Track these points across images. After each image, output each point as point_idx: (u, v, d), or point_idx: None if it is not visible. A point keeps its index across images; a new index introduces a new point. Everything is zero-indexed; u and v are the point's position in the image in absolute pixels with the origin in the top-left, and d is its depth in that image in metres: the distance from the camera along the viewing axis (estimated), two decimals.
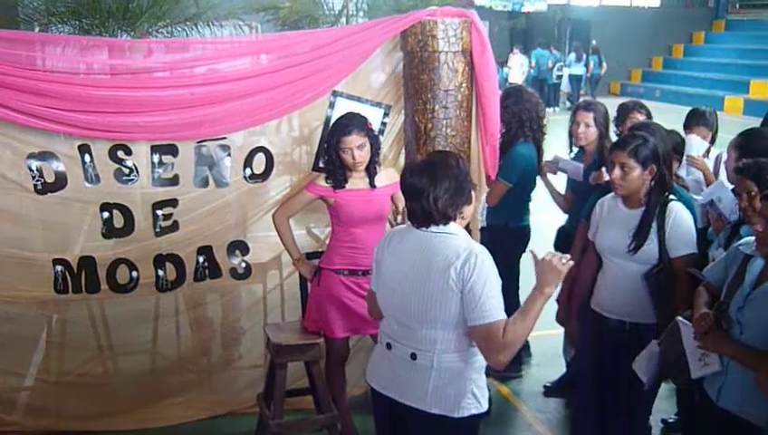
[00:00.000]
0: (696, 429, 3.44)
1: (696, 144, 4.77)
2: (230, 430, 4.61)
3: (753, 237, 3.00)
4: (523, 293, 5.24)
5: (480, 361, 2.87)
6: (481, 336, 2.74)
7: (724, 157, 4.27)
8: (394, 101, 4.47)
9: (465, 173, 2.89)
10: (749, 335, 2.91)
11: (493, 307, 2.71)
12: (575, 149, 5.02)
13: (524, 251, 5.15)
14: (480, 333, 2.73)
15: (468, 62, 4.23)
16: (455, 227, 2.87)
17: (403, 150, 4.51)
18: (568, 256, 2.76)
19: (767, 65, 22.61)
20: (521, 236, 5.04)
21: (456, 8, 4.27)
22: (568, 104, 22.04)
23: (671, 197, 3.65)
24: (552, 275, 2.73)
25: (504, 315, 2.73)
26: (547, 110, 20.23)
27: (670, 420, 4.66)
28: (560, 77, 22.60)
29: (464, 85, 4.22)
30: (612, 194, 3.76)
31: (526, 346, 5.36)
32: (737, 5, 28.21)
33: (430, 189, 2.80)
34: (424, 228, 2.88)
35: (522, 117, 4.86)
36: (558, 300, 4.27)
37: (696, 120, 5.05)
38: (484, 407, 2.93)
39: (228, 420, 4.68)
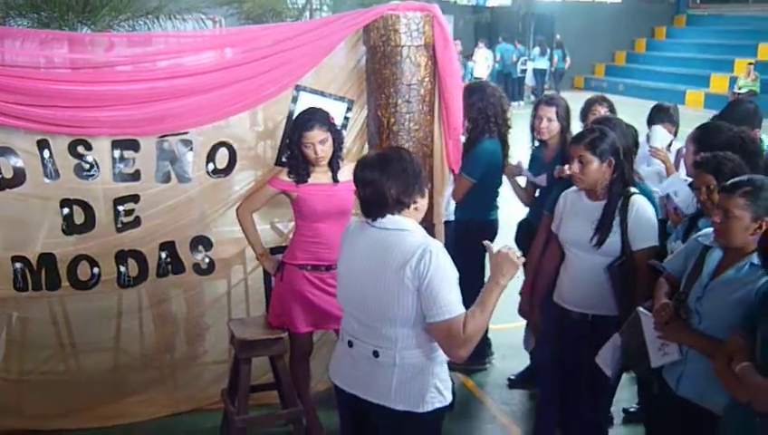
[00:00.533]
0: (655, 417, 3.49)
1: (659, 135, 4.83)
2: (195, 427, 4.58)
3: (711, 229, 3.05)
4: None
5: (442, 355, 2.87)
6: (441, 332, 2.74)
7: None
8: (357, 96, 4.47)
9: (417, 165, 2.88)
10: (708, 325, 2.97)
11: (451, 303, 2.71)
12: (536, 144, 5.06)
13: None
14: (440, 329, 2.73)
15: (431, 56, 4.24)
16: (409, 223, 2.85)
17: (366, 145, 4.51)
18: (519, 252, 2.80)
19: (727, 60, 22.96)
20: (487, 231, 5.07)
21: (418, 2, 4.27)
22: (532, 98, 22.17)
23: (633, 190, 3.70)
24: (507, 266, 2.75)
25: (462, 309, 2.73)
26: (512, 104, 20.37)
27: (631, 410, 4.73)
28: (524, 71, 22.77)
29: (426, 79, 4.24)
30: (575, 187, 3.79)
31: (487, 341, 5.39)
32: (698, 0, 28.58)
33: (383, 178, 2.81)
34: (379, 222, 2.86)
35: (488, 112, 4.89)
36: (521, 292, 4.31)
37: (659, 115, 5.10)
38: (448, 399, 2.94)
39: (193, 416, 4.65)
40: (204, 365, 4.82)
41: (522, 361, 5.23)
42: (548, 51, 22.85)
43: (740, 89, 20.40)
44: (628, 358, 3.38)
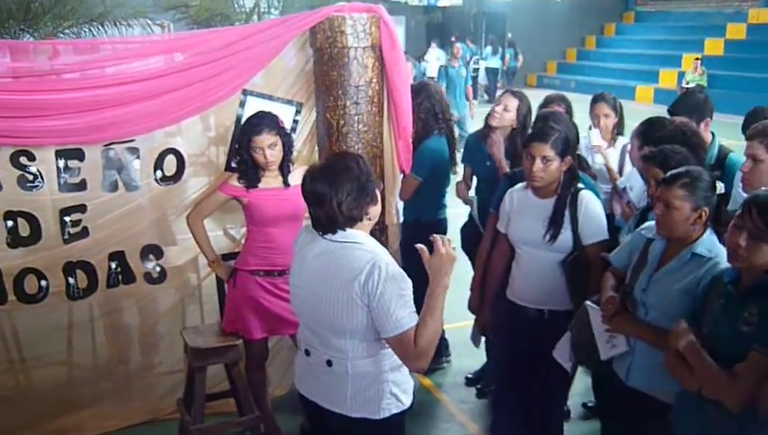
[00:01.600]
0: (608, 409, 3.53)
1: (595, 135, 4.96)
2: None
3: (653, 222, 3.09)
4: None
5: (394, 362, 2.84)
6: (395, 346, 2.72)
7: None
8: (305, 99, 4.45)
9: (366, 173, 2.81)
10: (654, 316, 3.01)
11: (403, 318, 2.66)
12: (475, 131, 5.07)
13: None
14: (395, 343, 2.71)
15: (378, 57, 4.24)
16: (360, 235, 2.81)
17: (316, 148, 4.49)
18: (448, 238, 2.77)
19: (675, 55, 23.39)
20: (436, 231, 5.05)
21: (364, 4, 4.26)
22: (486, 97, 22.34)
23: (580, 185, 3.73)
24: (445, 265, 2.71)
25: (413, 321, 2.68)
26: (465, 102, 20.41)
27: (590, 404, 4.77)
28: (476, 70, 22.88)
29: (374, 80, 4.23)
30: (521, 185, 3.81)
31: (444, 341, 5.40)
32: None
33: (332, 194, 2.73)
34: (329, 236, 2.82)
35: (435, 111, 4.91)
36: (471, 288, 4.32)
37: (596, 99, 5.28)
38: (407, 404, 2.93)
39: (149, 427, 4.58)
40: (159, 375, 4.75)
41: (478, 359, 5.25)
42: (500, 49, 23.06)
43: (688, 83, 20.80)
44: (577, 352, 3.41)
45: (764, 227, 2.47)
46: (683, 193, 2.90)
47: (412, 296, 2.72)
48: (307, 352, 2.97)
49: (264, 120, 3.96)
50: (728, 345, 2.52)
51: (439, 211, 5.15)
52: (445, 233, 5.05)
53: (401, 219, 5.13)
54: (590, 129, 5.20)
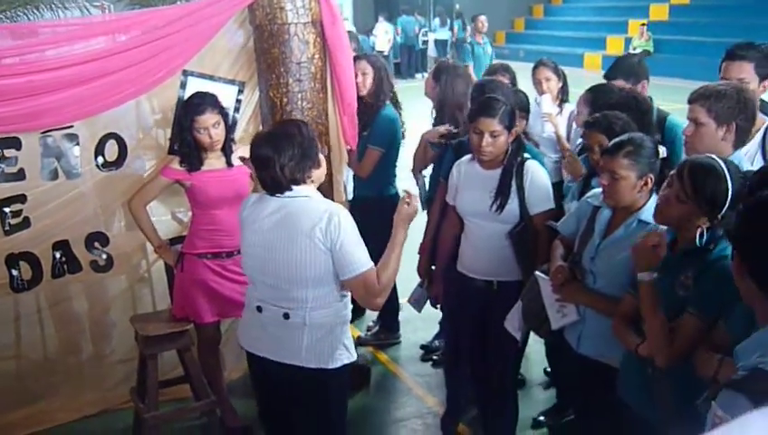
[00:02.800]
0: (561, 376, 3.56)
1: (546, 102, 4.96)
2: (105, 429, 4.45)
3: (599, 189, 3.10)
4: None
5: (347, 314, 3.08)
6: (358, 286, 2.93)
7: None
8: (248, 78, 4.38)
9: (309, 139, 2.98)
10: (602, 284, 3.03)
11: (363, 258, 2.90)
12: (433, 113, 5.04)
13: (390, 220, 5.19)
14: (357, 283, 2.91)
15: (319, 32, 4.18)
16: (308, 190, 2.99)
17: (261, 127, 4.42)
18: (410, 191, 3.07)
19: (621, 21, 23.55)
20: (387, 207, 5.03)
21: None
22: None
23: (526, 155, 3.73)
24: (404, 218, 3.02)
25: (371, 263, 2.92)
26: (415, 75, 20.26)
27: (549, 370, 4.82)
28: (425, 42, 22.83)
29: (316, 57, 4.17)
30: (468, 157, 3.80)
31: (396, 315, 5.41)
32: None
33: (275, 157, 2.90)
34: (278, 195, 2.98)
35: (383, 86, 4.89)
36: (419, 252, 4.33)
37: (537, 65, 5.36)
38: (354, 356, 3.11)
39: (103, 418, 4.52)
40: (111, 365, 4.68)
41: (433, 331, 5.27)
42: (448, 21, 22.97)
43: (635, 49, 21.01)
44: (529, 322, 3.43)
45: (692, 192, 2.49)
46: (628, 162, 2.91)
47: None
48: (259, 309, 3.07)
49: (205, 100, 3.90)
50: (666, 309, 2.54)
51: (388, 187, 5.12)
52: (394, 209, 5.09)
53: (350, 196, 5.11)
54: (537, 97, 5.20)
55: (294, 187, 2.95)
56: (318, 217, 2.87)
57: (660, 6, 23.55)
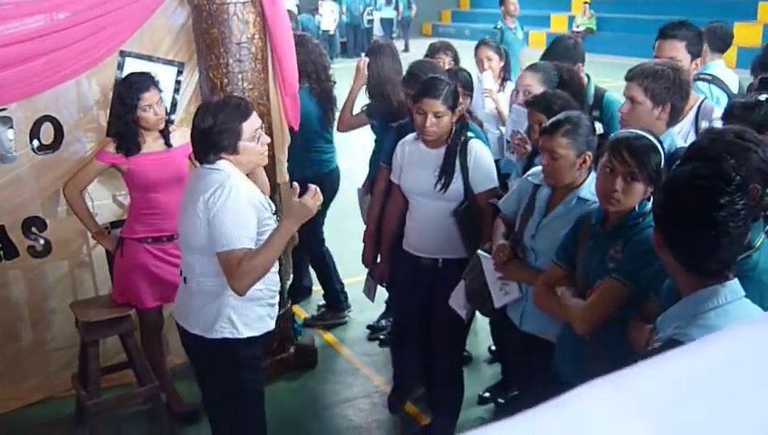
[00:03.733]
0: (505, 353, 3.61)
1: (488, 78, 4.99)
2: (47, 417, 4.37)
3: (539, 167, 3.13)
4: (334, 241, 5.37)
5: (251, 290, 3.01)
6: (222, 263, 2.90)
7: None
8: (187, 58, 4.31)
9: (235, 112, 2.98)
10: (543, 261, 3.06)
11: (232, 237, 2.86)
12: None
13: (332, 198, 5.19)
14: (221, 259, 2.90)
15: (259, 12, 4.12)
16: (224, 164, 2.99)
17: None
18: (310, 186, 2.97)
19: None
20: (324, 184, 5.04)
21: None
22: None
23: (470, 134, 3.75)
24: (301, 211, 2.95)
25: (243, 245, 2.87)
26: (362, 54, 20.29)
27: (493, 348, 4.87)
28: (371, 21, 22.74)
29: (256, 37, 4.12)
30: (412, 136, 3.81)
31: (343, 294, 5.42)
32: None
33: (202, 125, 2.97)
34: (203, 165, 3.04)
35: (307, 69, 4.85)
36: (364, 241, 4.33)
37: (479, 44, 5.40)
38: (243, 334, 3.07)
39: (45, 406, 4.43)
40: (52, 351, 4.58)
41: (379, 311, 5.29)
42: (393, 0, 22.91)
43: (578, 27, 21.24)
44: (472, 300, 3.47)
45: (638, 167, 2.53)
46: (566, 141, 2.93)
47: (255, 229, 2.94)
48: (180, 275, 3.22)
49: (146, 77, 3.86)
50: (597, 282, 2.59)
51: (324, 165, 5.13)
52: (334, 185, 5.10)
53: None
54: (480, 74, 5.22)
55: (214, 160, 2.98)
56: (208, 187, 2.91)
57: None
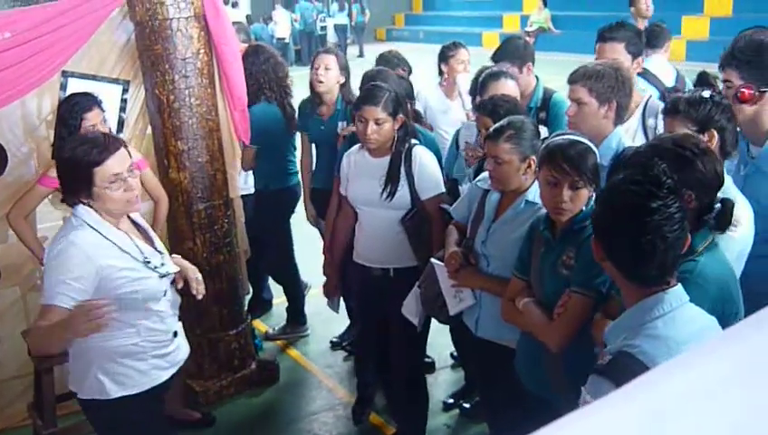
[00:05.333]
0: (465, 359, 3.59)
1: (463, 81, 4.98)
2: None
3: (488, 173, 3.13)
4: (302, 257, 5.33)
5: (114, 347, 2.83)
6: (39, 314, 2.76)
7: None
8: (132, 76, 4.24)
9: (84, 160, 2.71)
10: (495, 266, 3.07)
11: (51, 293, 2.66)
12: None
13: (292, 212, 5.14)
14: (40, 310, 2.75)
15: (203, 27, 4.07)
16: (81, 211, 2.78)
17: (149, 126, 4.30)
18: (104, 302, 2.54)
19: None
20: (286, 198, 5.03)
21: None
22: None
23: (414, 142, 3.74)
24: (78, 321, 2.49)
25: (61, 304, 2.62)
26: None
27: (455, 354, 4.86)
28: (324, 28, 22.71)
29: (202, 51, 4.07)
30: (357, 146, 3.79)
31: (302, 310, 5.38)
32: None
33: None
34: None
35: (259, 79, 4.79)
36: (323, 253, 4.30)
37: (458, 46, 5.19)
38: (113, 394, 2.86)
39: None
40: (5, 381, 4.47)
41: (343, 323, 5.25)
42: (346, 6, 22.92)
43: (532, 25, 21.42)
44: (427, 308, 3.45)
45: (579, 175, 2.53)
46: (509, 146, 2.94)
47: (78, 283, 2.67)
48: None
49: (89, 97, 3.77)
50: (552, 290, 2.59)
51: (287, 178, 5.07)
52: (295, 199, 5.06)
53: (251, 190, 5.06)
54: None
55: (72, 205, 2.81)
56: (56, 237, 2.82)
57: None
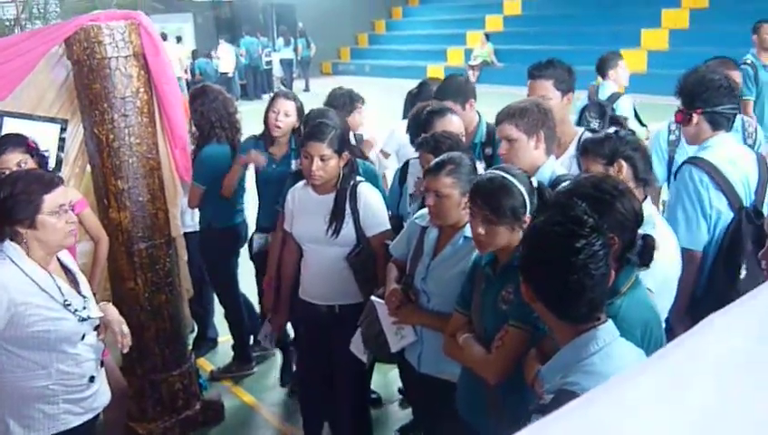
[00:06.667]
0: (411, 396, 3.60)
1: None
2: None
3: (426, 209, 3.15)
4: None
5: (24, 388, 2.81)
6: None
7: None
8: (71, 114, 4.20)
9: (19, 195, 2.77)
10: (436, 302, 3.09)
11: None
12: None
13: (238, 251, 5.11)
14: None
15: (143, 65, 4.05)
16: (8, 246, 2.79)
17: (89, 165, 4.25)
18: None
19: (460, 34, 24.42)
20: (230, 236, 5.00)
21: (121, 11, 4.08)
22: (282, 89, 22.24)
23: (359, 178, 3.77)
24: None
25: None
26: (262, 96, 20.09)
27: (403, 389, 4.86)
28: (269, 63, 22.76)
29: (141, 90, 4.04)
30: (302, 183, 3.80)
31: (246, 348, 5.33)
32: None
33: None
34: None
35: (210, 117, 4.78)
36: (264, 287, 4.28)
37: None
38: None
39: None
40: None
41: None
42: (292, 40, 23.02)
43: (476, 59, 21.78)
44: (369, 346, 3.45)
45: (492, 212, 2.58)
46: (450, 180, 2.98)
47: None
48: None
49: (6, 139, 3.67)
50: (492, 326, 2.61)
51: (233, 217, 5.04)
52: (241, 237, 5.05)
53: (196, 228, 5.03)
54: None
55: (3, 238, 2.79)
56: None
57: (495, 17, 24.56)
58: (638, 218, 2.37)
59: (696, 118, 3.38)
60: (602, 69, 6.23)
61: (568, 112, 3.86)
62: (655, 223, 2.73)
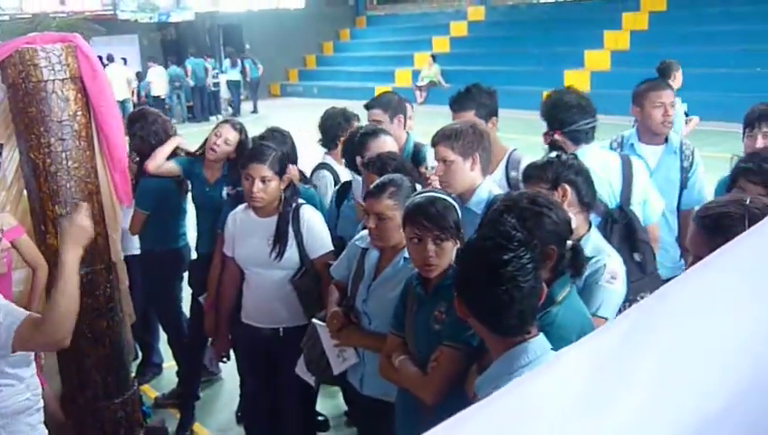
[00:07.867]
0: (354, 417, 3.58)
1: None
2: None
3: (366, 231, 3.16)
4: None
5: (11, 405, 2.80)
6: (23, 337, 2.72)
7: None
8: (5, 139, 4.11)
9: None
10: (377, 323, 3.10)
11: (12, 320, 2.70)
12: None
13: (181, 274, 5.05)
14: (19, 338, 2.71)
15: (80, 88, 3.99)
16: None
17: (25, 190, 4.16)
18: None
19: (408, 55, 24.61)
20: (171, 260, 4.94)
21: (58, 33, 4.01)
22: (230, 110, 22.16)
23: (301, 201, 3.76)
24: (77, 232, 2.86)
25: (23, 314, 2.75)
26: (210, 118, 19.88)
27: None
28: (216, 84, 22.61)
29: (79, 114, 3.97)
30: (243, 206, 3.78)
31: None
32: (375, 2, 30.20)
33: None
34: None
35: (151, 141, 4.73)
36: (204, 311, 4.24)
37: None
38: None
39: None
40: None
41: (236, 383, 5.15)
42: (239, 62, 22.92)
43: (423, 80, 21.99)
44: (311, 369, 3.44)
45: (440, 229, 2.61)
46: (392, 202, 3.00)
47: None
48: None
49: None
50: (426, 346, 2.63)
51: (176, 241, 4.99)
52: (182, 261, 4.98)
53: (137, 251, 4.96)
54: None
55: None
56: None
57: (442, 39, 24.86)
58: (570, 230, 2.46)
59: (558, 137, 3.64)
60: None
61: (495, 133, 3.93)
62: (609, 253, 2.79)
